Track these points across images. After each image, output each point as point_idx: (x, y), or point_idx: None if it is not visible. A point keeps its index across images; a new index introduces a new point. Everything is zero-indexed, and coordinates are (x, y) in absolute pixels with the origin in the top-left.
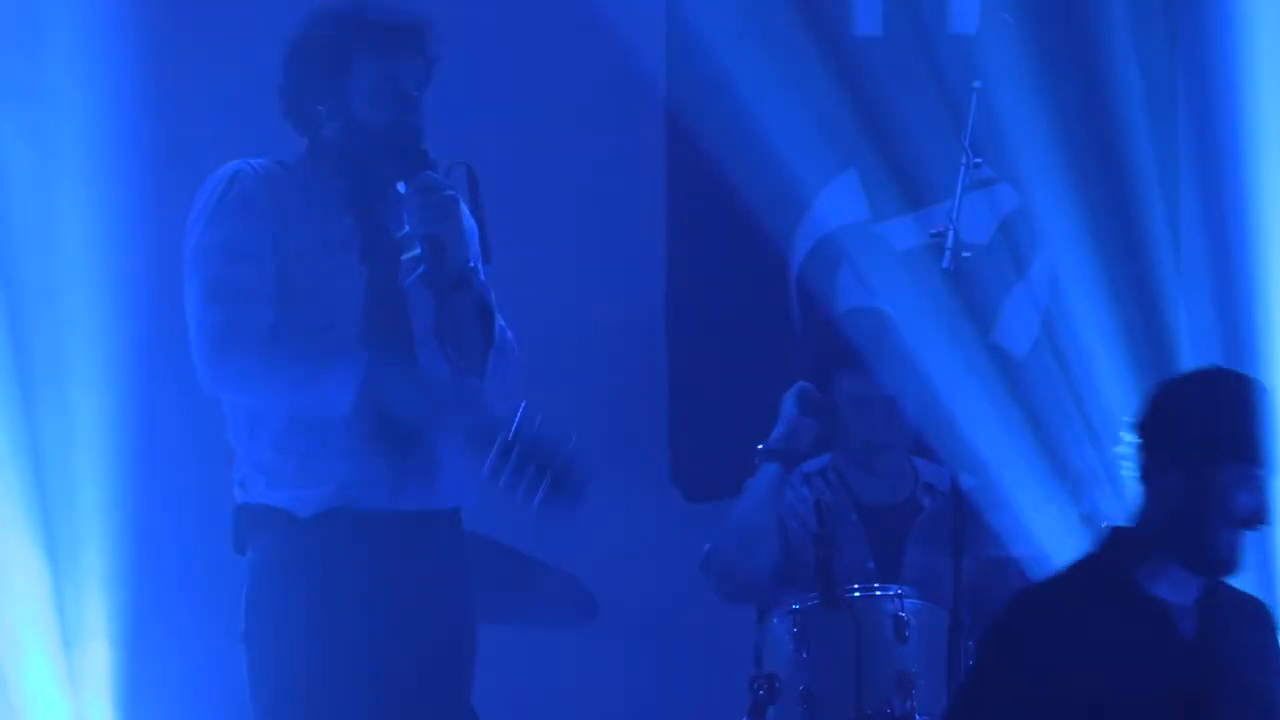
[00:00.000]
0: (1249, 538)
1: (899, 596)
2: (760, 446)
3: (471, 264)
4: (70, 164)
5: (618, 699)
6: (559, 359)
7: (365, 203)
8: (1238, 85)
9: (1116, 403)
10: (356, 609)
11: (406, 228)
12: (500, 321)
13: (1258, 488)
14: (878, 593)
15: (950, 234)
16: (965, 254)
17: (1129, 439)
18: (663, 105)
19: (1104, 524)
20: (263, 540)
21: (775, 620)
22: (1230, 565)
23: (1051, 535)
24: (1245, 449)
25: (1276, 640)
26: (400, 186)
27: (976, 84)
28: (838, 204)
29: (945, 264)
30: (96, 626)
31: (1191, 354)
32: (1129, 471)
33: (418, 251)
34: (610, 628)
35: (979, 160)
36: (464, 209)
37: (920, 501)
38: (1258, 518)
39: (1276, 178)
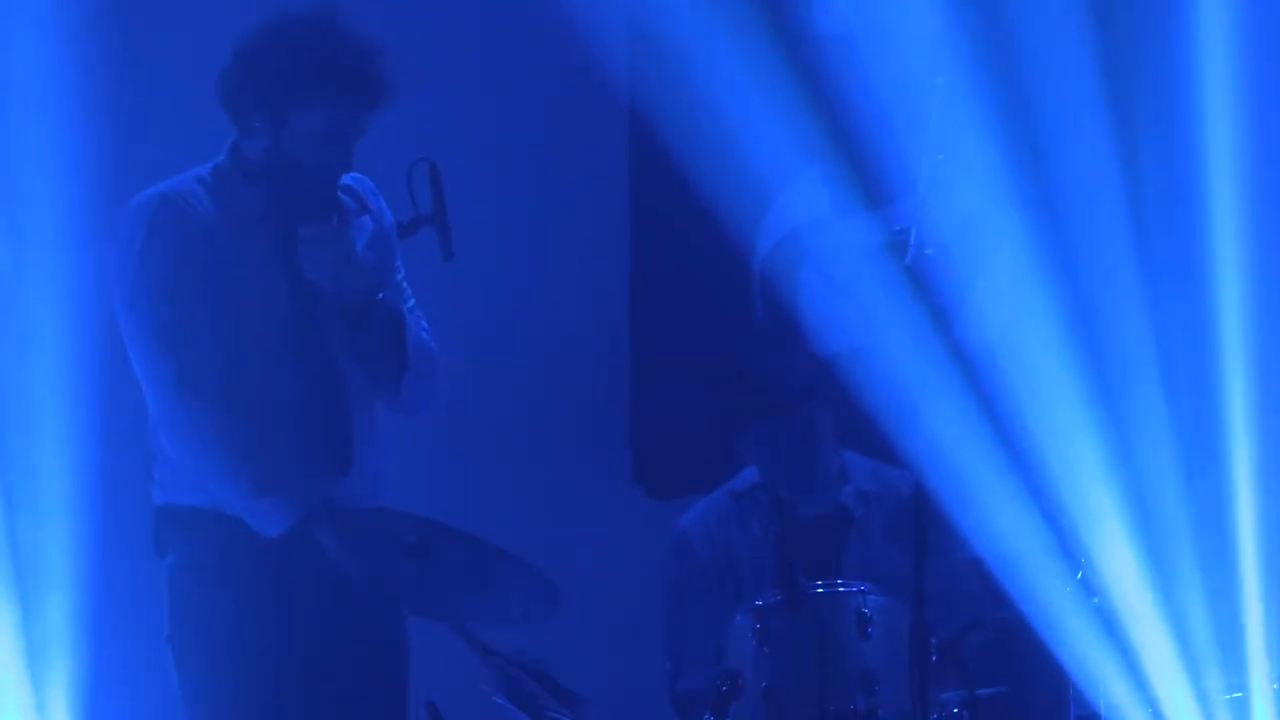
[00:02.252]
0: None
1: (862, 593)
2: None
3: (379, 295)
4: (30, 166)
5: (577, 686)
6: (522, 357)
7: (283, 220)
8: (1199, 80)
9: (1078, 399)
10: (284, 610)
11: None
12: (421, 334)
13: None
14: (840, 589)
15: (913, 230)
16: (928, 251)
17: None
18: (627, 102)
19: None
20: (185, 541)
21: (738, 617)
22: None
23: (1015, 534)
24: None
25: None
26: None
27: (939, 80)
28: (800, 201)
29: (908, 260)
30: (59, 629)
31: (1153, 349)
32: None
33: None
34: (573, 625)
35: (941, 157)
36: (366, 241)
37: (852, 512)
38: None
39: (1239, 174)
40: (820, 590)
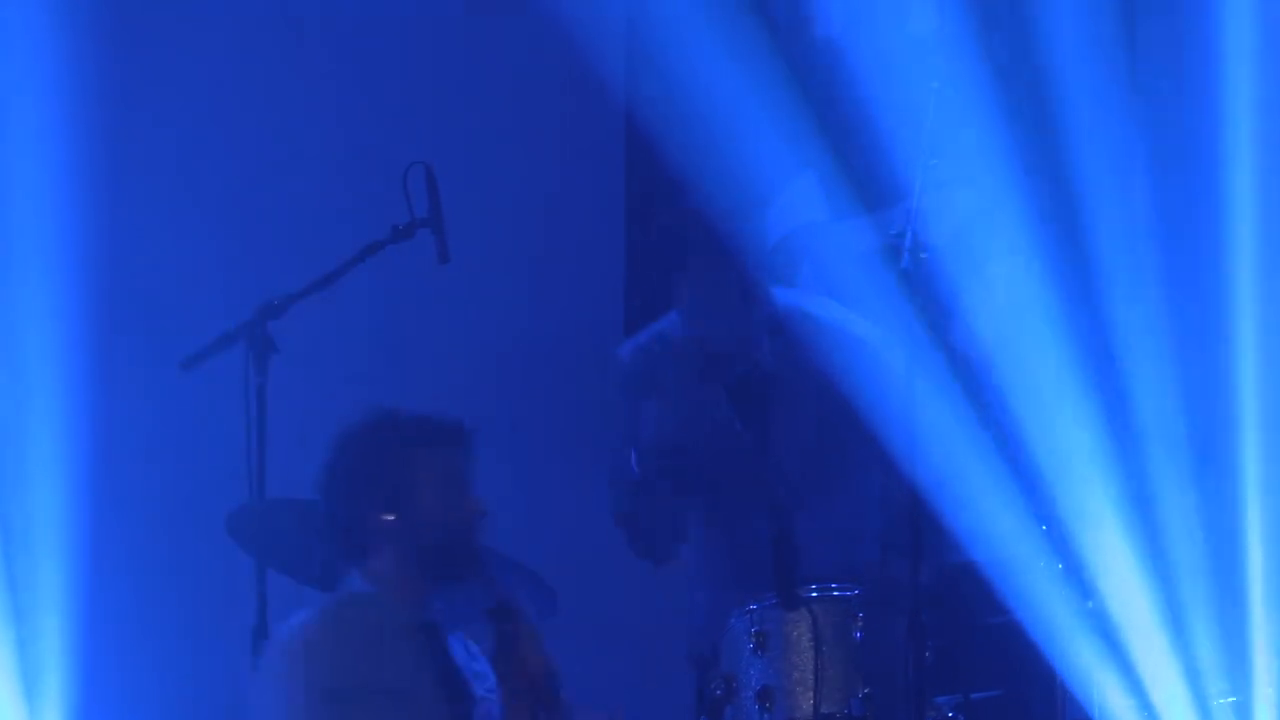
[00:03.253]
0: None
1: (857, 596)
2: None
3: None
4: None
5: (576, 693)
6: (520, 358)
7: (432, 629)
8: (1194, 83)
9: (1071, 403)
10: None
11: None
12: None
13: None
14: (835, 593)
15: (908, 234)
16: (923, 254)
17: None
18: (623, 106)
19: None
20: None
21: (733, 620)
22: None
23: (1011, 538)
24: None
25: None
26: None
27: (934, 84)
28: (796, 204)
29: (903, 264)
30: (53, 652)
31: (1153, 349)
32: None
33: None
34: (573, 625)
35: (937, 161)
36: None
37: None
38: None
39: (1235, 173)
40: (815, 594)
